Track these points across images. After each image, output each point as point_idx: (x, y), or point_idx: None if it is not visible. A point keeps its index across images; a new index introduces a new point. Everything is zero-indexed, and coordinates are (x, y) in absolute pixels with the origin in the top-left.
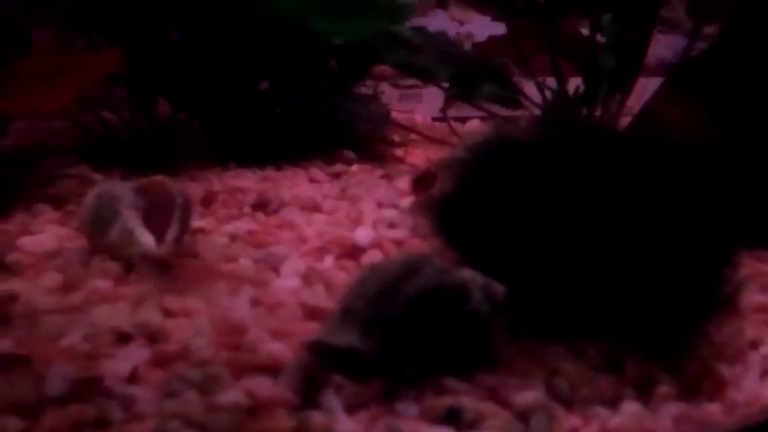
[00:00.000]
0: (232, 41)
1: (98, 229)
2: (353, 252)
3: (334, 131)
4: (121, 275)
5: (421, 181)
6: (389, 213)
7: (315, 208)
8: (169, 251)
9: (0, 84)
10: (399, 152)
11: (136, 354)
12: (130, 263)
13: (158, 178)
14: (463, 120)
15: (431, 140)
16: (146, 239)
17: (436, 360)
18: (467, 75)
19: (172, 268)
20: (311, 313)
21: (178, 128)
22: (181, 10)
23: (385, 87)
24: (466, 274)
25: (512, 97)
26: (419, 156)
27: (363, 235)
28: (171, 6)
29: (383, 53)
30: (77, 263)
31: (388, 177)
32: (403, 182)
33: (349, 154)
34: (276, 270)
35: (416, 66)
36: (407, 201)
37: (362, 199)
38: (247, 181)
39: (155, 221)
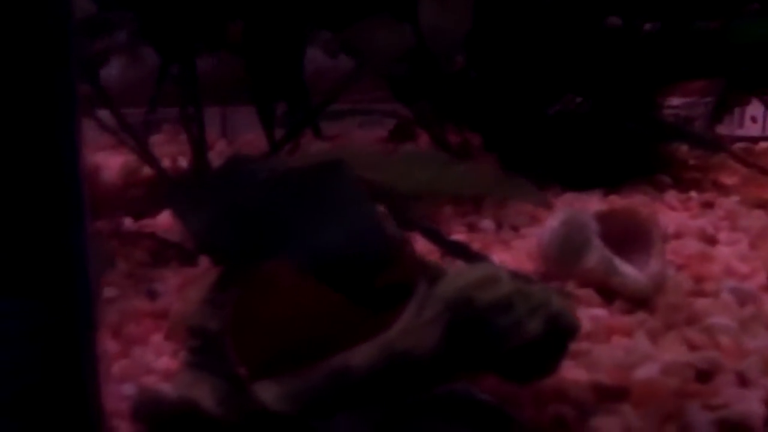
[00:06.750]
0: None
1: (568, 255)
2: None
3: (651, 155)
4: (604, 304)
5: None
6: None
7: (710, 240)
8: (657, 284)
9: None
10: (698, 175)
11: (747, 394)
12: (608, 292)
13: (626, 205)
14: None
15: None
16: (629, 270)
17: None
18: None
19: (654, 300)
20: None
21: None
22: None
23: None
24: None
25: None
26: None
27: None
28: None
29: None
30: None
31: (763, 207)
32: None
33: (666, 178)
34: (744, 305)
35: None
36: None
37: (761, 232)
38: (596, 205)
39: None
